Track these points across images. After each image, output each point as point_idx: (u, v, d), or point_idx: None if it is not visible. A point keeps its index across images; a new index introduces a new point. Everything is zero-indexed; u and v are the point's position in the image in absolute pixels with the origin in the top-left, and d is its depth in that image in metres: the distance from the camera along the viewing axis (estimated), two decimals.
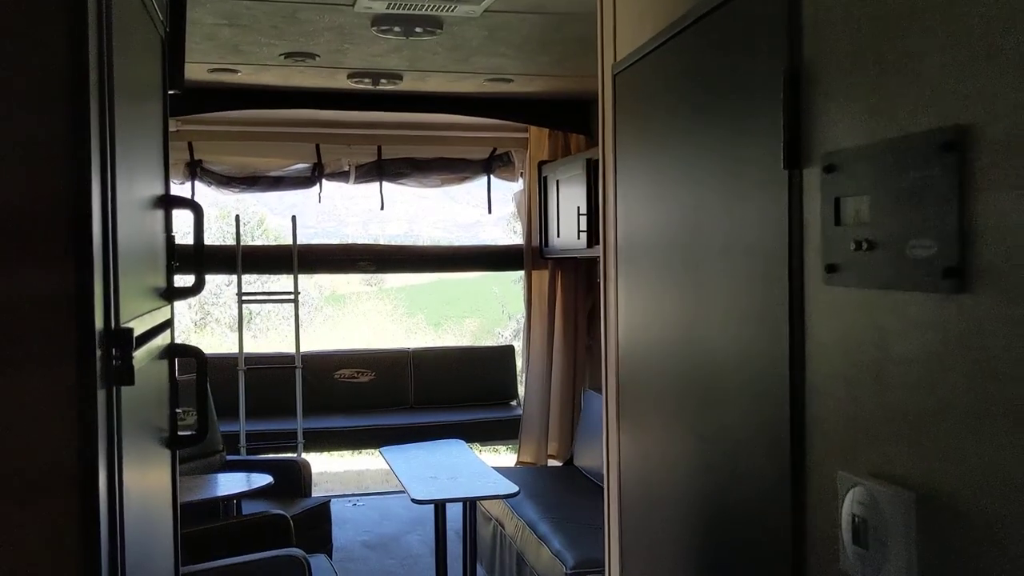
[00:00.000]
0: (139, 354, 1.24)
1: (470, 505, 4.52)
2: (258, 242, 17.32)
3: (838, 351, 1.11)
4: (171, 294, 1.68)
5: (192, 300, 16.64)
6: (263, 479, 4.57)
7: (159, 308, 1.53)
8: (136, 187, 1.35)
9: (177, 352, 1.72)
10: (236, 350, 5.94)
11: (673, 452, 1.66)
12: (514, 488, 4.23)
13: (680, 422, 1.62)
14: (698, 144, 1.52)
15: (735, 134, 1.39)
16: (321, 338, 16.70)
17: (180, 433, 1.73)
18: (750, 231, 1.32)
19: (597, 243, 4.91)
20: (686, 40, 1.55)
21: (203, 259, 1.72)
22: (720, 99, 1.45)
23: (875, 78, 1.04)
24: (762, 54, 1.28)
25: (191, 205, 1.73)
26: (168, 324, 1.66)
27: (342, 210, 22.84)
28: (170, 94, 1.76)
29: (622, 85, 1.89)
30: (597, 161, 4.92)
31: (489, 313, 18.29)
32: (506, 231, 17.16)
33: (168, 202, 1.67)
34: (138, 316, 1.32)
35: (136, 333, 1.20)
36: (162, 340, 1.58)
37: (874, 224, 1.03)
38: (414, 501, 4.08)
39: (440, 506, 4.21)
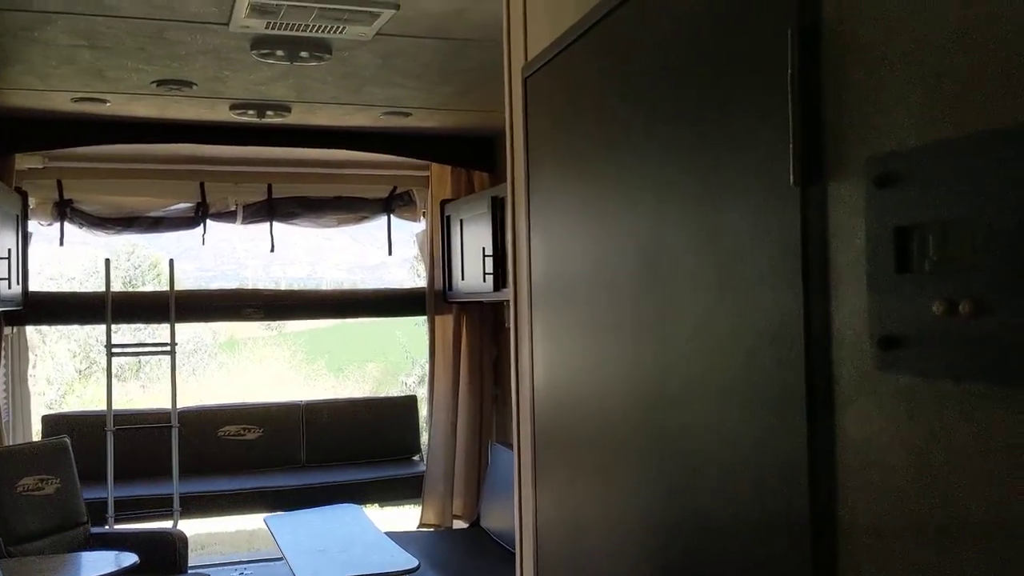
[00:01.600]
0: None
1: None
2: (150, 287, 16.45)
3: (900, 478, 0.73)
4: None
5: (75, 347, 15.66)
6: (128, 559, 4.03)
7: None
8: None
9: None
10: (121, 405, 5.38)
11: (620, 522, 1.30)
12: (413, 562, 3.82)
13: (634, 489, 1.26)
14: (651, 155, 1.13)
15: (712, 136, 0.99)
16: (214, 388, 15.89)
17: None
18: (741, 277, 0.94)
19: (505, 286, 4.60)
20: (632, 12, 1.17)
21: None
22: (685, 87, 1.06)
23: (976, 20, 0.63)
24: (755, 10, 0.89)
25: None
26: None
27: (240, 252, 22.07)
28: None
29: (537, 91, 1.54)
30: (503, 199, 4.63)
31: (393, 358, 17.77)
32: (411, 273, 16.75)
33: None
34: None
35: None
36: None
37: (989, 270, 0.63)
38: None
39: None
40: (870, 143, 0.75)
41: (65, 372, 15.46)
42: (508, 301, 5.08)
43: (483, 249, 4.64)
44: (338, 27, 3.20)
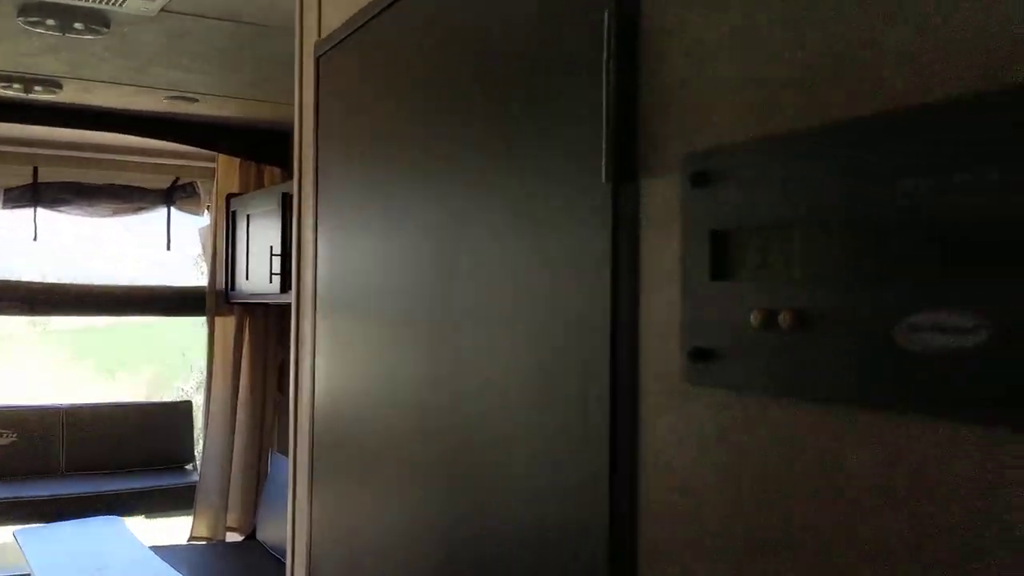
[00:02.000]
0: None
1: None
2: None
3: (707, 501, 0.68)
4: None
5: None
6: None
7: None
8: None
9: None
10: None
11: (403, 537, 1.22)
12: None
13: (419, 504, 1.17)
14: (454, 148, 1.05)
15: (521, 128, 0.91)
16: None
17: None
18: (545, 279, 0.87)
19: (291, 288, 4.41)
20: None
21: None
22: (494, 73, 0.98)
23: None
24: None
25: None
26: None
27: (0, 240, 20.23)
28: None
29: (330, 72, 1.44)
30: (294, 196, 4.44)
31: (170, 361, 16.80)
32: (192, 269, 15.89)
33: None
34: None
35: None
36: None
37: (810, 281, 0.59)
38: None
39: None
40: (688, 139, 0.71)
41: None
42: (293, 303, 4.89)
43: (271, 248, 4.43)
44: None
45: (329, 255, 1.48)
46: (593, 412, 0.78)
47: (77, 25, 3.24)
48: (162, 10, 3.07)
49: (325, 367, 1.52)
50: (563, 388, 0.84)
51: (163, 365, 17.02)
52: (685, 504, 0.70)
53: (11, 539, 5.60)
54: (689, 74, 0.70)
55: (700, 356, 0.67)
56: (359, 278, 1.37)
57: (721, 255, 0.66)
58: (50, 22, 3.21)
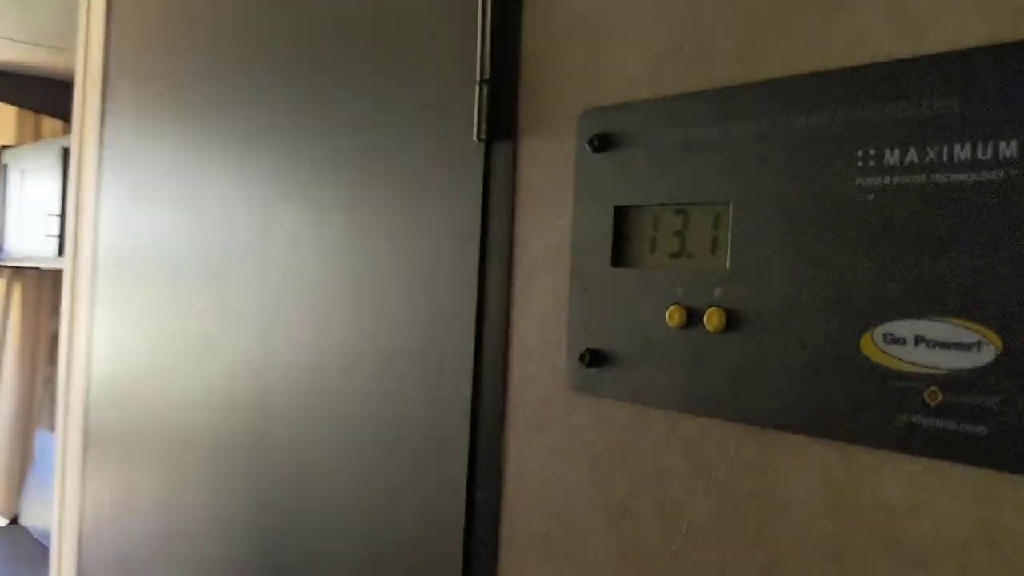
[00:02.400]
0: None
1: None
2: None
3: (590, 531, 0.56)
4: None
5: None
6: None
7: None
8: None
9: None
10: None
11: (195, 532, 1.05)
12: None
13: (217, 497, 1.01)
14: (283, 97, 0.88)
15: (376, 72, 0.75)
16: None
17: None
18: (396, 255, 0.72)
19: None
20: None
21: None
22: (336, 7, 0.81)
23: None
24: None
25: None
26: None
27: None
28: None
29: (126, 7, 1.22)
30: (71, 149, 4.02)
31: None
32: None
33: None
34: None
35: None
36: None
37: (752, 274, 0.49)
38: None
39: None
40: (587, 92, 0.58)
41: None
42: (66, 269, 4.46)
43: (48, 208, 4.00)
44: None
45: (115, 218, 1.27)
46: (448, 422, 0.66)
47: None
48: None
49: (106, 341, 1.32)
50: (411, 391, 0.71)
51: None
52: (559, 544, 0.59)
53: None
54: (589, 9, 0.58)
55: (595, 360, 0.56)
56: (153, 246, 1.18)
57: (626, 237, 0.55)
58: None
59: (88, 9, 1.36)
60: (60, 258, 3.97)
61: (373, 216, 0.75)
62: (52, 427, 4.87)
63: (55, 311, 4.97)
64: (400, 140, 0.71)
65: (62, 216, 3.94)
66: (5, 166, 4.66)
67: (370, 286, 0.76)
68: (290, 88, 0.87)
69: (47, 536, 4.20)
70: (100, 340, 1.34)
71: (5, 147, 4.75)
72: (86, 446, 1.34)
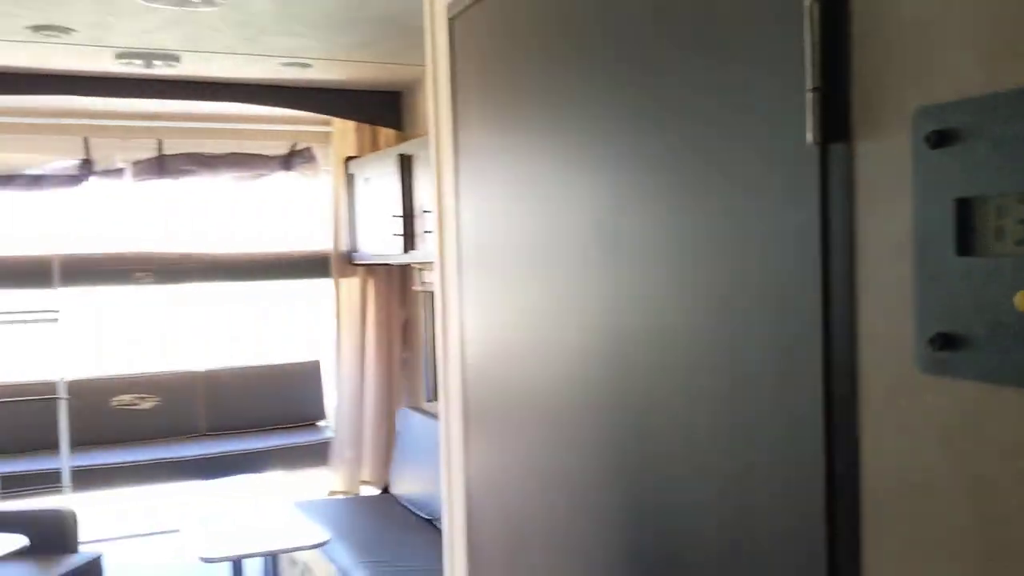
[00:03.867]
0: None
1: (272, 559, 3.91)
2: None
3: (947, 510, 0.58)
4: None
5: None
6: (16, 541, 3.76)
7: None
8: None
9: None
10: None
11: (571, 497, 1.18)
12: (324, 536, 3.66)
13: (587, 464, 1.13)
14: (622, 107, 0.96)
15: (701, 81, 0.81)
16: (112, 348, 15.18)
17: None
18: (738, 253, 0.78)
19: (413, 248, 4.42)
20: None
21: None
22: (663, 19, 0.88)
23: None
24: None
25: None
26: None
27: (127, 211, 21.15)
28: None
29: (465, 34, 1.38)
30: (412, 156, 4.44)
31: (291, 317, 17.32)
32: (307, 232, 16.22)
33: None
34: None
35: None
36: None
37: None
38: (203, 560, 3.43)
39: (236, 563, 3.58)
40: (921, 90, 0.61)
41: None
42: (415, 264, 4.86)
43: (391, 210, 4.45)
44: None
45: (473, 216, 1.43)
46: (802, 408, 0.71)
47: None
48: None
49: (473, 326, 1.48)
50: (762, 374, 0.77)
51: (284, 323, 17.56)
52: (920, 515, 0.63)
53: (162, 497, 5.88)
54: (916, 15, 0.61)
55: (945, 343, 0.59)
56: (508, 240, 1.32)
57: (970, 227, 0.57)
58: None
59: (433, 38, 1.53)
60: (405, 254, 4.41)
61: (713, 212, 0.82)
62: (409, 405, 5.43)
63: (402, 302, 5.52)
64: (734, 143, 0.77)
65: (404, 217, 4.37)
66: (352, 176, 5.25)
67: (714, 278, 0.83)
68: (631, 90, 0.95)
69: (413, 503, 4.72)
70: (470, 323, 1.50)
71: (350, 158, 5.35)
72: (466, 421, 1.51)
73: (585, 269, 1.08)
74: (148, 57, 4.26)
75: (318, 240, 5.91)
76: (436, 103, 1.52)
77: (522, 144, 1.26)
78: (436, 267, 1.62)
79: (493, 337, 1.41)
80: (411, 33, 4.01)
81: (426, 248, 4.15)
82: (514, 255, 1.30)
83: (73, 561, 4.18)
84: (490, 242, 1.38)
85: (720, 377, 0.83)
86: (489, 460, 1.47)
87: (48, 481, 5.06)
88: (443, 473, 1.64)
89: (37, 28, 3.71)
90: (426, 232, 4.04)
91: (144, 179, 5.70)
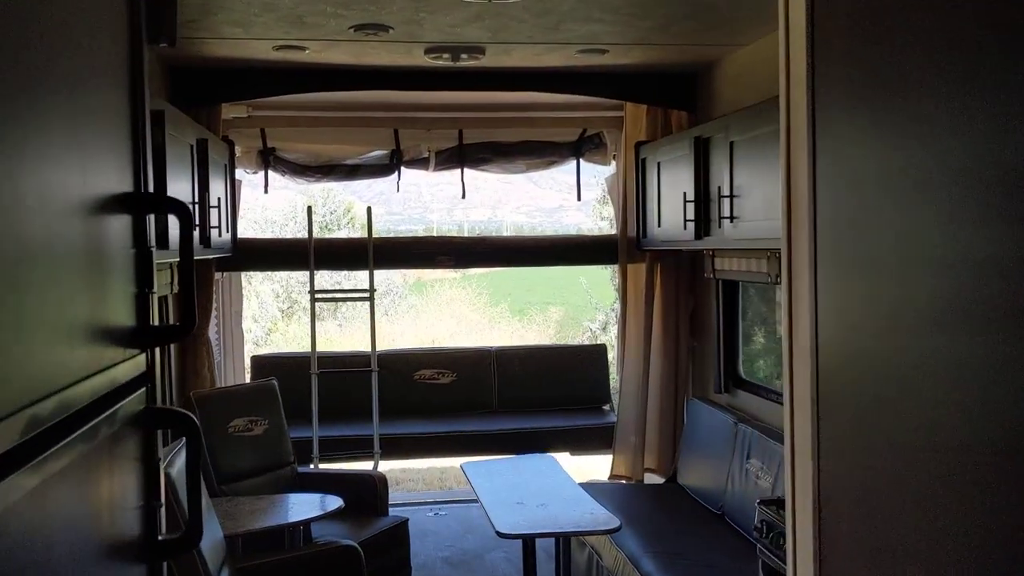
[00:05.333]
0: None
1: (563, 539, 4.00)
2: (344, 232, 17.08)
3: None
4: (146, 337, 1.17)
5: (278, 287, 16.48)
6: (334, 502, 4.12)
7: (117, 363, 1.03)
8: (40, 179, 0.85)
9: (160, 421, 1.21)
10: (320, 345, 5.55)
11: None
12: (615, 522, 3.69)
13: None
14: None
15: None
16: (405, 330, 16.43)
17: (164, 537, 1.23)
18: None
19: (707, 234, 4.31)
20: None
21: (192, 285, 1.21)
22: None
23: None
24: None
25: (174, 207, 1.21)
26: (144, 380, 1.16)
27: (427, 196, 22.61)
28: (161, 46, 1.26)
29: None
30: (707, 139, 4.31)
31: (575, 301, 17.74)
32: (591, 216, 16.55)
33: (138, 204, 1.16)
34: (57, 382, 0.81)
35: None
36: (132, 405, 1.08)
37: None
38: (499, 535, 3.57)
39: (529, 540, 3.69)
40: None
41: (269, 311, 16.34)
42: (708, 249, 4.73)
43: (684, 194, 4.37)
44: None
45: (831, 196, 1.33)
46: None
47: None
48: None
49: (832, 314, 1.37)
50: None
51: (568, 305, 18.02)
52: None
53: (450, 463, 6.21)
54: None
55: None
56: (886, 219, 1.19)
57: None
58: None
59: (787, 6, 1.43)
60: (697, 240, 4.32)
61: None
62: (696, 395, 5.35)
63: (691, 289, 5.43)
64: None
65: (696, 201, 4.29)
66: (643, 160, 5.23)
67: None
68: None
69: (703, 495, 4.63)
70: (825, 312, 1.39)
71: (641, 143, 5.33)
72: (818, 416, 1.42)
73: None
74: (455, 51, 4.48)
75: (597, 222, 5.96)
76: (789, 75, 1.43)
77: (898, 123, 1.14)
78: (783, 256, 1.53)
79: (861, 338, 1.30)
80: (711, 11, 3.92)
81: (722, 234, 4.03)
82: (903, 252, 1.17)
83: (383, 523, 4.52)
84: (864, 234, 1.27)
85: None
86: (847, 465, 1.36)
87: (360, 447, 5.50)
88: (787, 473, 1.55)
89: (359, 27, 4.01)
90: (723, 218, 3.93)
91: (445, 168, 6.03)
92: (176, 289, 4.12)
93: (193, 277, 1.21)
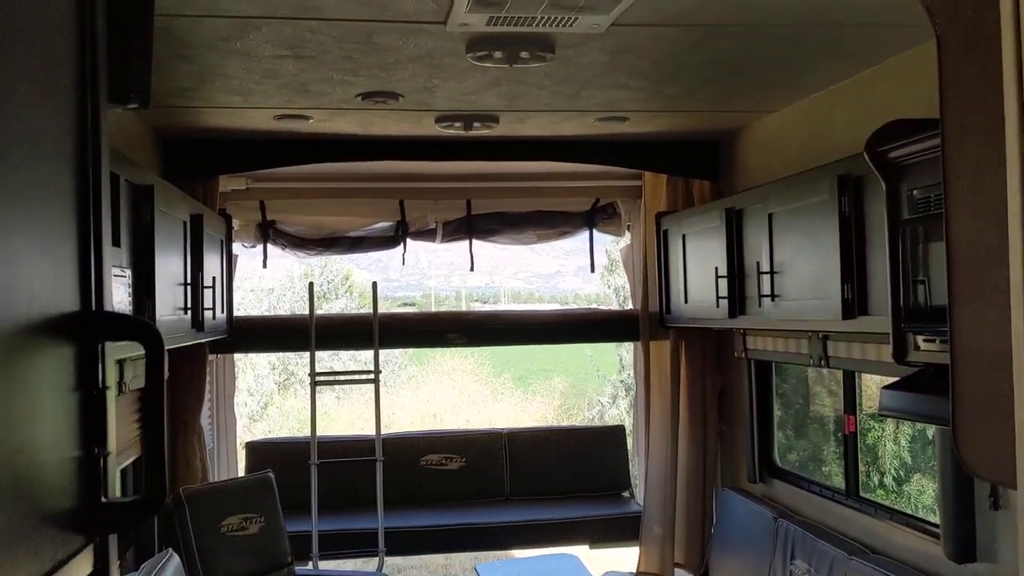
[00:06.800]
0: None
1: None
2: (342, 301, 16.68)
3: None
4: (97, 520, 0.82)
5: (274, 359, 15.91)
6: None
7: (47, 571, 0.69)
8: None
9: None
10: (319, 420, 5.13)
11: None
12: None
13: None
14: None
15: None
16: (405, 402, 15.94)
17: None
18: None
19: (743, 312, 3.96)
20: None
21: (161, 443, 0.88)
22: None
23: None
24: None
25: (138, 331, 0.87)
26: None
27: (424, 263, 22.26)
28: (131, 108, 0.95)
29: None
30: (740, 211, 4.00)
31: (577, 371, 17.28)
32: (591, 283, 16.16)
33: (87, 327, 0.82)
34: None
35: None
36: None
37: None
38: None
39: None
40: None
41: (265, 385, 15.85)
42: (739, 328, 4.32)
43: (715, 269, 4.06)
44: (570, 18, 2.74)
45: None
46: None
47: (523, 54, 3.12)
48: (613, 23, 2.82)
49: None
50: None
51: (572, 375, 17.54)
52: None
53: (471, 569, 5.74)
54: None
55: None
56: None
57: None
58: (497, 55, 3.12)
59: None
60: (731, 319, 3.97)
61: None
62: (727, 484, 4.95)
63: (717, 369, 5.06)
64: None
65: (730, 276, 3.97)
66: (666, 232, 4.91)
67: None
68: None
69: None
70: None
71: (663, 214, 5.01)
72: None
73: None
74: (468, 119, 4.21)
75: (604, 291, 5.64)
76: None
77: None
78: (1014, 321, 1.20)
79: None
80: (744, 73, 3.65)
81: (761, 313, 3.69)
82: None
83: None
84: None
85: None
86: None
87: (363, 543, 5.08)
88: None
89: (367, 95, 3.74)
90: (763, 296, 3.60)
91: (453, 239, 5.73)
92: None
93: (163, 431, 0.88)
